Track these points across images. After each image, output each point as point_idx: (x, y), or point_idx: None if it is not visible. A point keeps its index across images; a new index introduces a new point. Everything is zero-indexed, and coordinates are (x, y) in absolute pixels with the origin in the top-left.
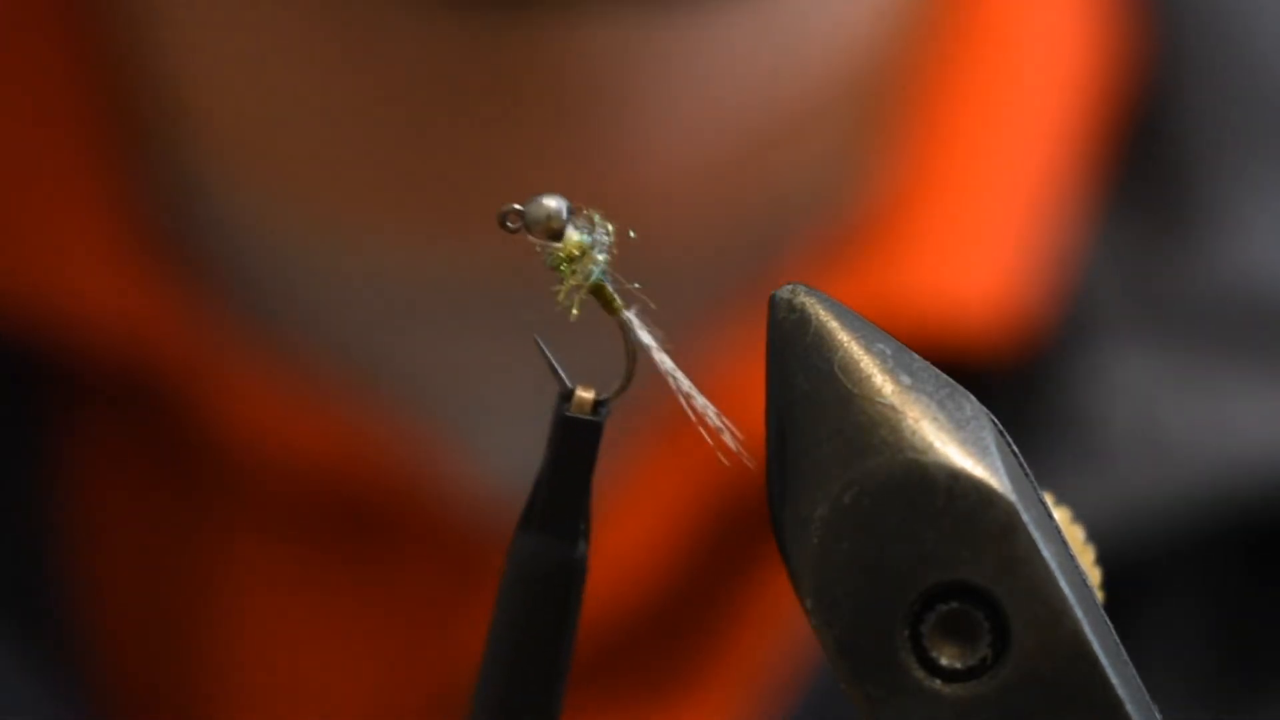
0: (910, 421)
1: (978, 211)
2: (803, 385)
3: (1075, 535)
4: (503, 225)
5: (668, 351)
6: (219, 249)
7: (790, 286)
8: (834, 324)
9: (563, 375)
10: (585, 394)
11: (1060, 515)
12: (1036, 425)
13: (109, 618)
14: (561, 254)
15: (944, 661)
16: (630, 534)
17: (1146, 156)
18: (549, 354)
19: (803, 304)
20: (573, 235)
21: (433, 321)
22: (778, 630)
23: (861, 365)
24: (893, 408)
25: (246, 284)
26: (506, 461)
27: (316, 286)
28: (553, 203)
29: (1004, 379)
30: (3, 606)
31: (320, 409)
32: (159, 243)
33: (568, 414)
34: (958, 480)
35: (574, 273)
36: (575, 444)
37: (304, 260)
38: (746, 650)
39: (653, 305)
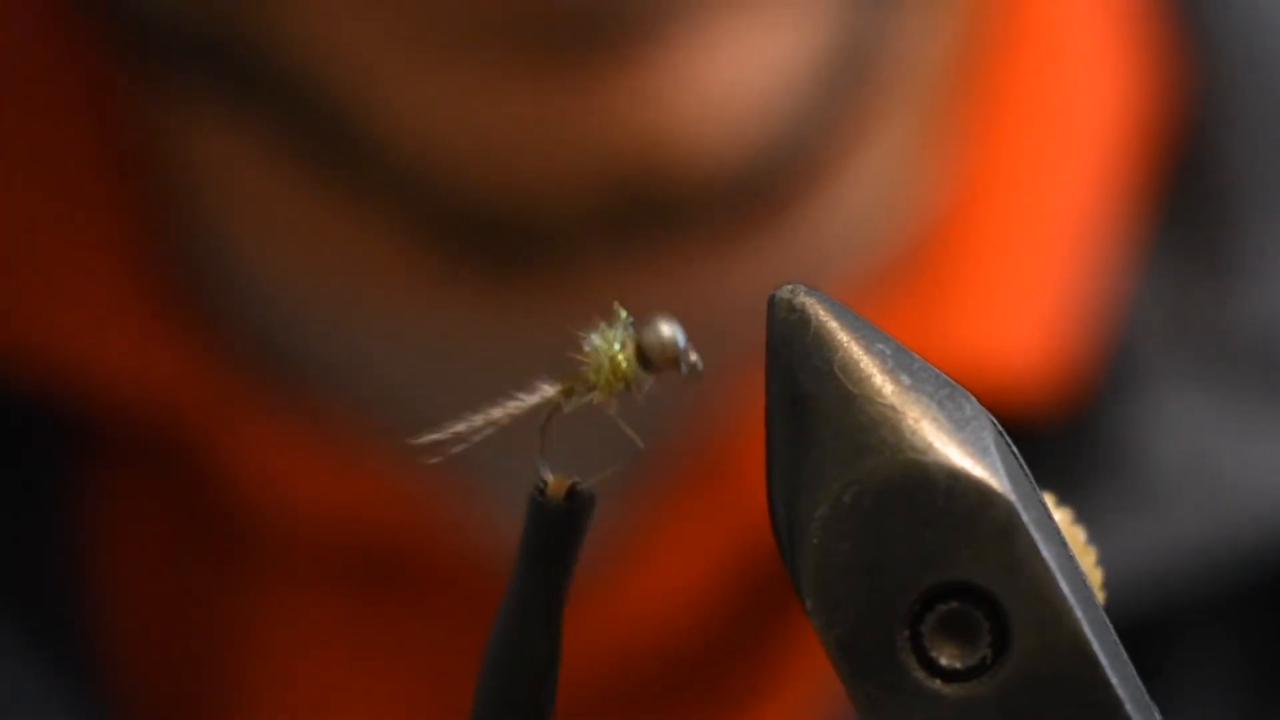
0: (910, 421)
1: (1019, 260)
2: (803, 385)
3: (1076, 537)
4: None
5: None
6: (240, 305)
7: (790, 286)
8: (834, 324)
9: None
10: (560, 481)
11: (1061, 517)
12: (1085, 474)
13: (138, 673)
14: (618, 371)
15: (944, 661)
16: (670, 577)
17: (1190, 196)
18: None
19: (803, 304)
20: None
21: (455, 374)
22: (819, 669)
23: (861, 365)
24: (893, 408)
25: (268, 340)
26: None
27: (338, 341)
28: (667, 330)
29: (1050, 430)
30: (33, 662)
31: (344, 463)
32: (180, 300)
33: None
34: (958, 480)
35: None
36: (547, 530)
37: (325, 315)
38: (789, 691)
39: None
